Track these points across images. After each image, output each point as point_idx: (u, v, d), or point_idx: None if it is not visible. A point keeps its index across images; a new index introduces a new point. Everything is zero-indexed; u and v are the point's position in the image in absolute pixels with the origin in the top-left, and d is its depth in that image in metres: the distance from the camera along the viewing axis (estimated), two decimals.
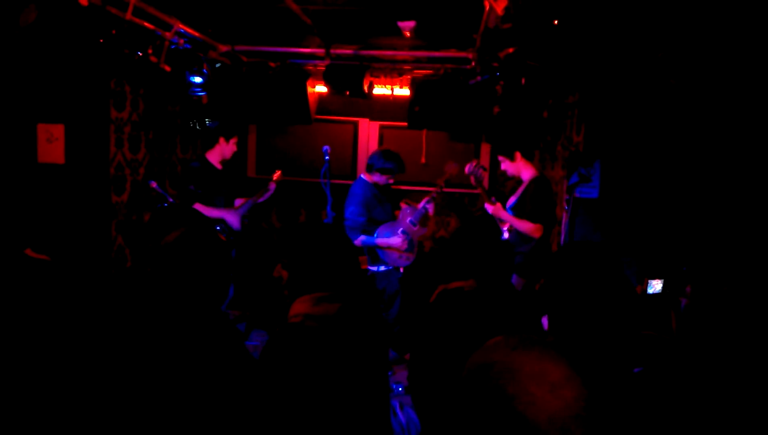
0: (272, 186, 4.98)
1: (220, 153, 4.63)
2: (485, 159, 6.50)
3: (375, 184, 4.61)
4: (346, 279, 1.97)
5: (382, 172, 4.52)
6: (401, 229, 4.57)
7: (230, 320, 1.91)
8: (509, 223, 4.21)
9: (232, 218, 4.61)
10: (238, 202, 4.82)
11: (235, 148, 4.68)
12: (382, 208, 4.64)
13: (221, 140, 4.59)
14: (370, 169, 4.58)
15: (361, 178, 4.68)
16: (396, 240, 4.49)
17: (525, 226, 4.11)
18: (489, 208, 4.28)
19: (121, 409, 1.55)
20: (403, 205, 4.70)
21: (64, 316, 2.05)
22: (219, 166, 4.66)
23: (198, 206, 4.43)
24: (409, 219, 4.60)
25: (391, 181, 4.61)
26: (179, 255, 1.77)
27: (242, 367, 1.76)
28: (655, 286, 3.33)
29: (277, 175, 5.10)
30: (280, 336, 1.76)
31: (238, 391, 1.69)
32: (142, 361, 1.60)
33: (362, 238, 4.50)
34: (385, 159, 4.51)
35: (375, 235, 4.53)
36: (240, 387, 1.70)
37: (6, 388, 1.82)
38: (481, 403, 0.96)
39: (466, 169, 4.50)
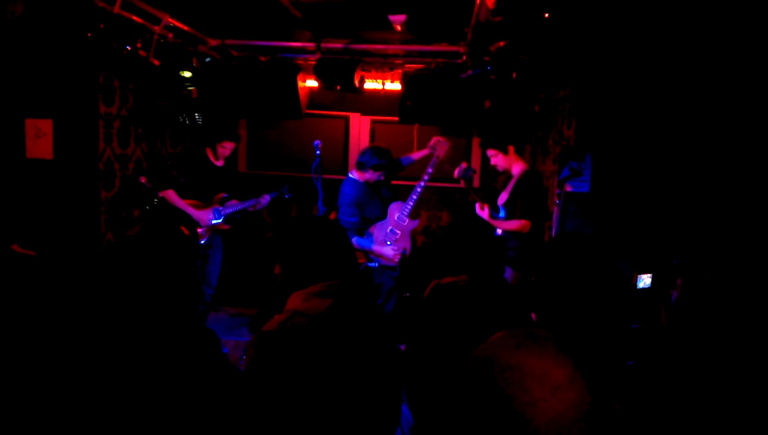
0: (265, 199, 4.84)
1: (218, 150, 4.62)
2: (476, 153, 6.50)
3: (366, 182, 4.58)
4: (343, 272, 1.93)
5: (375, 169, 4.50)
6: (390, 227, 4.56)
7: (200, 319, 1.86)
8: (497, 227, 4.23)
9: (200, 216, 4.50)
10: (231, 202, 4.78)
11: (233, 145, 4.64)
12: (373, 205, 4.62)
13: (208, 150, 4.58)
14: (362, 167, 4.53)
15: (351, 177, 4.63)
16: (389, 253, 4.48)
17: (512, 225, 4.13)
18: (478, 209, 4.29)
19: (97, 404, 1.52)
20: (392, 204, 4.69)
21: (49, 311, 2.02)
22: (218, 163, 4.63)
23: (170, 193, 4.36)
24: (396, 215, 4.58)
25: (383, 177, 4.59)
26: (140, 249, 1.73)
27: (212, 365, 1.71)
28: (645, 280, 3.33)
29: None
30: (266, 335, 1.73)
31: (205, 387, 1.65)
32: (110, 357, 1.56)
33: (355, 239, 4.48)
34: (378, 157, 4.49)
35: (369, 241, 4.52)
36: (208, 384, 1.66)
37: None
38: (479, 400, 0.94)
39: (455, 173, 4.54)
